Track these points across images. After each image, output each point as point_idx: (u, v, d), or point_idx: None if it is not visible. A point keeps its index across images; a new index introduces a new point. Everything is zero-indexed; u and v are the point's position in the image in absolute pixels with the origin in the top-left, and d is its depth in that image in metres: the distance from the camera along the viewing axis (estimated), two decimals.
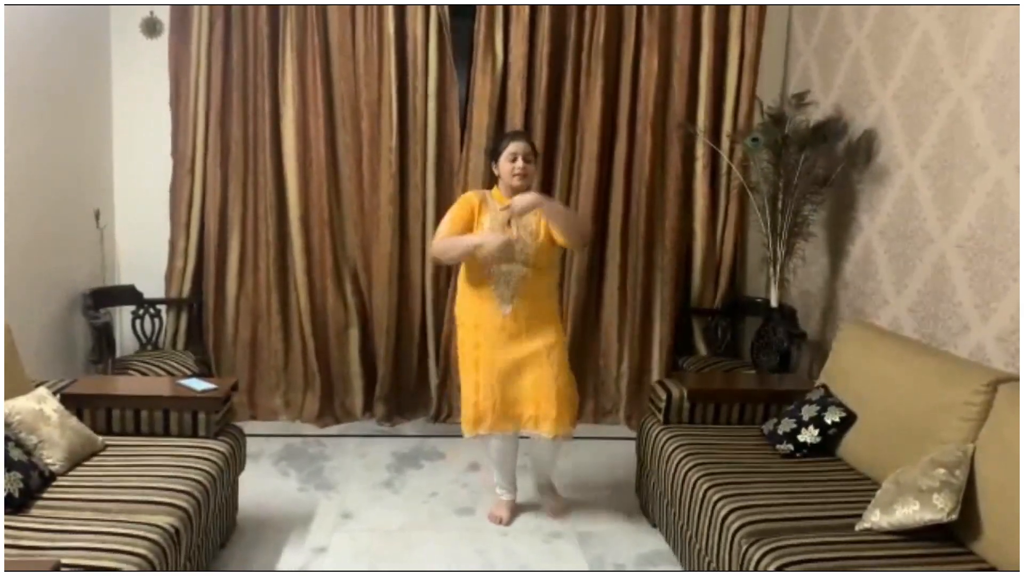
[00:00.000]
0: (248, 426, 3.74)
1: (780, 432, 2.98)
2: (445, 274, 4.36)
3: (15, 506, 2.28)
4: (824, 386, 3.09)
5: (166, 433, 2.95)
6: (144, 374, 3.78)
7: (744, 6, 4.26)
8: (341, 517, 3.34)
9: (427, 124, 4.25)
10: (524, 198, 2.99)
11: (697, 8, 4.26)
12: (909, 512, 2.28)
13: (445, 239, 3.12)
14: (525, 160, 3.10)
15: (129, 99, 4.32)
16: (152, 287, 4.33)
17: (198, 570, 2.61)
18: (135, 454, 2.75)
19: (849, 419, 2.88)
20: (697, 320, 4.55)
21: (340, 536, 3.18)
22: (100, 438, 2.81)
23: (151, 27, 4.24)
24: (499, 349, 3.13)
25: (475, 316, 3.18)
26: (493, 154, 3.21)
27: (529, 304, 3.12)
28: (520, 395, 3.13)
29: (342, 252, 4.39)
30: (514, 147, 3.11)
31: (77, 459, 2.64)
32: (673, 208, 4.39)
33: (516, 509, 3.40)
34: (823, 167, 3.77)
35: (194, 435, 2.94)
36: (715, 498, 2.59)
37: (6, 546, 2.07)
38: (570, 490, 3.64)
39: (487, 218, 3.14)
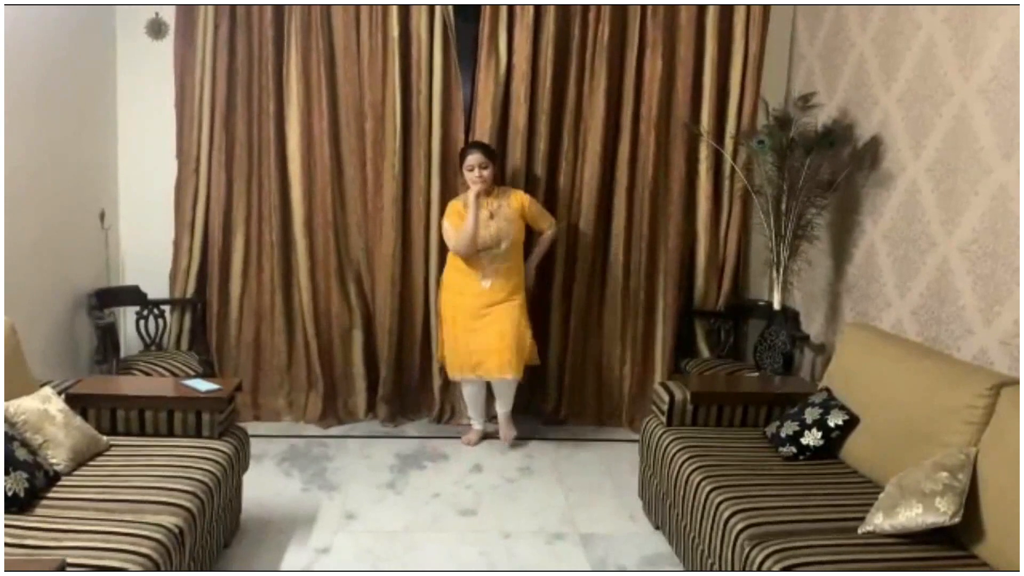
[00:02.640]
0: (251, 427, 3.74)
1: (783, 435, 2.98)
2: None
3: (20, 505, 2.29)
4: (827, 389, 3.09)
5: (170, 433, 2.96)
6: (148, 374, 3.79)
7: (748, 8, 4.26)
8: (344, 518, 3.35)
9: (431, 126, 4.25)
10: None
11: (701, 10, 4.26)
12: (912, 515, 2.28)
13: (458, 232, 3.92)
14: (481, 168, 3.87)
15: (134, 100, 4.33)
16: (156, 288, 4.33)
17: (202, 570, 2.61)
18: (139, 454, 2.76)
19: (852, 422, 2.88)
20: (700, 322, 4.55)
21: (343, 537, 3.19)
22: (104, 438, 2.82)
23: (156, 29, 4.25)
24: (474, 312, 3.95)
25: (459, 285, 4.00)
26: (460, 163, 3.99)
27: (502, 279, 3.95)
28: (486, 347, 3.92)
29: (345, 254, 4.40)
30: (470, 160, 3.90)
31: (82, 459, 2.65)
32: (676, 210, 4.39)
33: (483, 436, 4.22)
34: (828, 171, 3.77)
35: (198, 435, 2.95)
36: (718, 500, 2.60)
37: (12, 545, 2.08)
38: (573, 491, 3.66)
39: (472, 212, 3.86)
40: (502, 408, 4.15)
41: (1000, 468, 2.23)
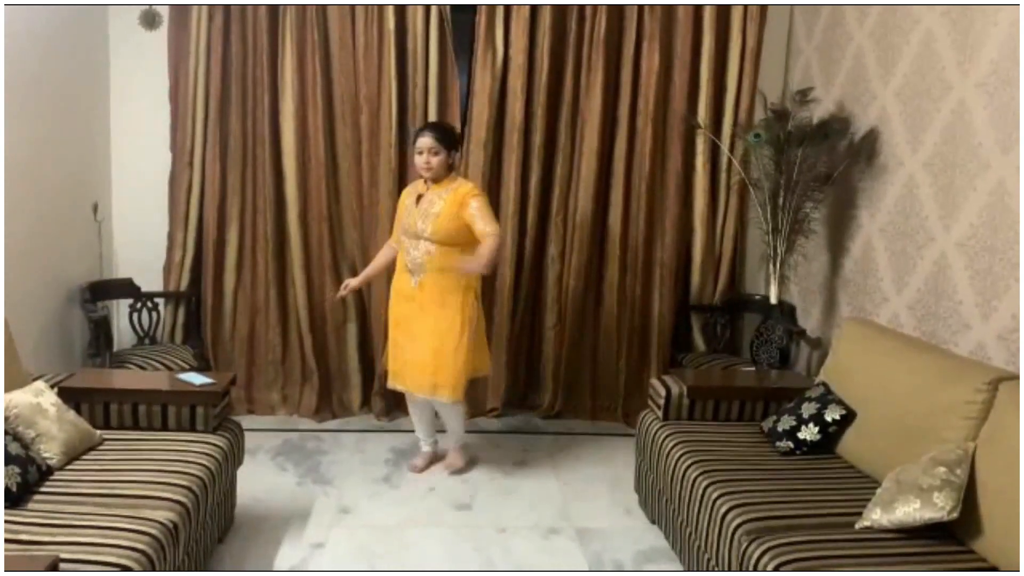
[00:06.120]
0: (246, 421, 3.73)
1: (780, 429, 2.98)
2: None
3: (12, 500, 2.27)
4: (824, 383, 3.08)
5: (164, 427, 2.94)
6: (142, 368, 3.76)
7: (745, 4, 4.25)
8: (339, 512, 3.33)
9: (427, 119, 4.23)
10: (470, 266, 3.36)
11: (698, 4, 4.25)
12: (910, 510, 2.28)
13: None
14: (430, 154, 3.41)
15: (127, 92, 4.30)
16: (150, 281, 4.31)
17: (196, 565, 2.60)
18: (133, 448, 2.74)
19: (849, 417, 2.88)
20: (696, 316, 4.54)
21: (338, 531, 3.18)
22: (98, 432, 2.80)
23: (150, 20, 4.21)
24: (407, 316, 3.52)
25: (396, 286, 3.61)
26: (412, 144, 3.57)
27: (437, 278, 3.43)
28: (412, 359, 3.49)
29: (340, 247, 4.38)
30: (419, 143, 3.45)
31: (75, 453, 2.63)
32: (673, 204, 4.38)
33: (432, 459, 3.79)
34: (825, 164, 3.77)
35: (192, 429, 2.93)
36: (714, 495, 2.59)
37: (5, 540, 2.06)
38: (569, 486, 3.65)
39: (409, 200, 3.55)
40: (448, 437, 3.80)
41: (998, 464, 2.23)
